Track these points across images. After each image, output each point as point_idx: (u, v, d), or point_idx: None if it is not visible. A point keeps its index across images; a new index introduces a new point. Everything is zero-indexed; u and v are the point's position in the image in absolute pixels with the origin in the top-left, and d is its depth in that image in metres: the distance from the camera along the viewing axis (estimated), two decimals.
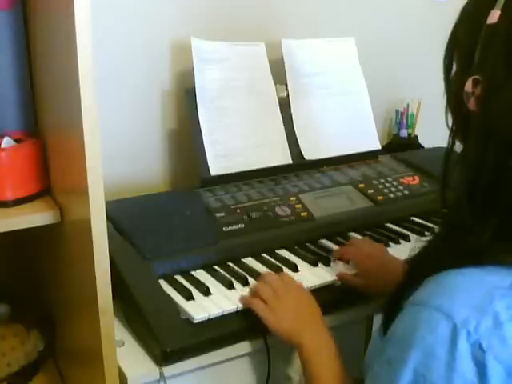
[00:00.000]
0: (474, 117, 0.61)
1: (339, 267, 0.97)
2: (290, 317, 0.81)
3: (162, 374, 0.77)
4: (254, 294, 0.86)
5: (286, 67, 1.27)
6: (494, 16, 0.60)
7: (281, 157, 1.23)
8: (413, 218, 1.18)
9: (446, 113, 0.68)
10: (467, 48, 0.63)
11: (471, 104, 0.62)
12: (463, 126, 0.65)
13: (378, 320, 0.95)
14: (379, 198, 1.18)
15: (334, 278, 0.94)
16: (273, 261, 0.99)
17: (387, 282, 0.91)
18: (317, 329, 0.81)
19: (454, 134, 0.67)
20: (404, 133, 1.55)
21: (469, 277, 0.57)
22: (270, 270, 0.95)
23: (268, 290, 0.85)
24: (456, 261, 0.59)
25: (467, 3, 0.66)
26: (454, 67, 0.67)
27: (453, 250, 0.62)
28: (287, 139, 1.23)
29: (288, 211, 1.09)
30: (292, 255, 1.01)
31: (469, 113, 0.62)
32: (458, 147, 0.68)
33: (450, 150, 0.68)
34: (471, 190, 0.61)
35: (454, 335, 0.54)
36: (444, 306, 0.55)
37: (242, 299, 0.86)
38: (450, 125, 0.68)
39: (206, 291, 0.87)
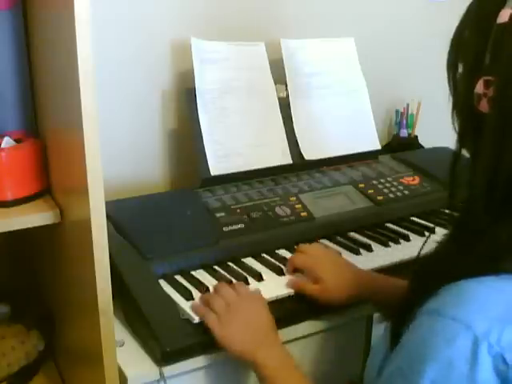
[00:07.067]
0: (488, 118, 0.59)
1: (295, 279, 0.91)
2: (241, 333, 0.78)
3: (162, 374, 0.77)
4: (206, 304, 0.81)
5: (286, 67, 1.27)
6: (505, 15, 0.58)
7: (281, 157, 1.23)
8: (413, 218, 1.18)
9: (453, 116, 0.66)
10: (475, 49, 0.61)
11: (483, 105, 0.60)
12: (472, 128, 0.63)
13: (377, 320, 0.95)
14: (379, 198, 1.18)
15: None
16: (273, 261, 0.99)
17: (346, 284, 0.87)
18: (270, 345, 0.78)
19: (462, 136, 0.65)
20: (404, 133, 1.55)
21: (487, 286, 0.55)
22: (269, 270, 0.95)
23: (220, 302, 0.80)
24: (472, 267, 0.57)
25: (472, 3, 0.64)
26: (460, 69, 0.65)
27: (468, 255, 0.59)
28: (287, 139, 1.23)
29: (288, 211, 1.09)
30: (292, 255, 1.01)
31: (479, 114, 0.60)
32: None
33: (458, 152, 0.66)
34: (488, 191, 0.59)
35: (474, 347, 0.52)
36: (461, 316, 0.53)
37: (193, 307, 0.82)
38: (458, 127, 0.65)
39: (205, 291, 0.87)
